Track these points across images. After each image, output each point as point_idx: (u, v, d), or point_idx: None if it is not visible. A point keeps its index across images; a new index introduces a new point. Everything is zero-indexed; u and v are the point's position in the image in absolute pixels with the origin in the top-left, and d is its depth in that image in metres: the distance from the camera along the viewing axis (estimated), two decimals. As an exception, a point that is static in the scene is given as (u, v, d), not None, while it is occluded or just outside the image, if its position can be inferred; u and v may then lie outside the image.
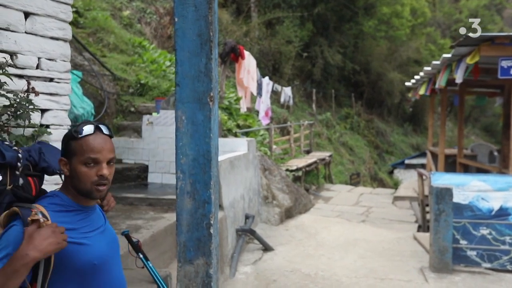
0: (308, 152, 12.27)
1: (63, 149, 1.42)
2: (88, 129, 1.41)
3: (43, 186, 1.71)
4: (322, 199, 8.61)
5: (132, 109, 6.79)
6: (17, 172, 1.45)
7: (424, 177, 6.96)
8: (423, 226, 6.76)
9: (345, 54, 20.86)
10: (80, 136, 1.38)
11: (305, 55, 18.70)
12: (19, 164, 1.45)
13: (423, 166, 12.86)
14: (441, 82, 6.53)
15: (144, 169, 5.99)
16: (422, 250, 5.06)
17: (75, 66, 6.21)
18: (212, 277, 2.59)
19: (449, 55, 5.92)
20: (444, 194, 4.28)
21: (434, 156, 9.76)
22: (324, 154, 11.80)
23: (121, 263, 1.74)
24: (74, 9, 8.26)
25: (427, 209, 6.37)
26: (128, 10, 11.15)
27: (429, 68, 7.58)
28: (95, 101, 5.91)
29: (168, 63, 8.86)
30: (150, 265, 2.63)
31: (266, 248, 4.95)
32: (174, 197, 2.72)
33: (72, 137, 1.40)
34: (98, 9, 9.22)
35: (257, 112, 11.36)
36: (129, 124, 6.52)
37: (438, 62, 6.76)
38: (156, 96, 6.91)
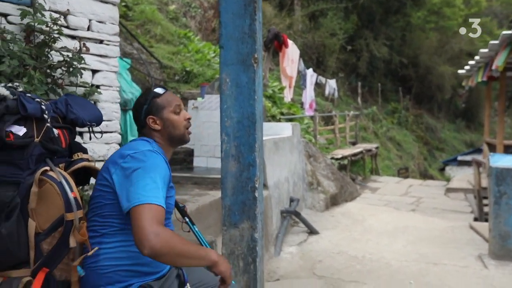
0: (353, 143, 11.96)
1: (146, 110, 1.56)
2: (161, 89, 1.64)
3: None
4: (369, 189, 8.33)
5: (178, 95, 6.91)
6: (48, 124, 1.45)
7: (482, 165, 6.52)
8: (480, 218, 6.34)
9: (392, 47, 20.11)
10: (162, 92, 1.60)
11: (350, 48, 18.23)
12: (45, 116, 1.44)
13: (478, 162, 12.11)
14: (498, 62, 6.06)
15: (189, 153, 6.08)
16: (479, 238, 4.73)
17: (124, 54, 6.43)
18: (257, 241, 2.54)
19: (510, 32, 5.48)
20: (506, 175, 3.97)
21: (492, 147, 9.16)
22: (371, 145, 11.44)
23: None
24: (123, 3, 8.59)
25: (485, 201, 5.96)
26: (174, 4, 11.42)
27: (485, 50, 7.09)
28: (142, 87, 6.07)
29: (212, 54, 8.96)
30: (196, 229, 2.62)
31: (311, 231, 4.84)
32: (219, 176, 2.70)
33: (155, 96, 1.58)
34: (145, 3, 9.50)
35: (301, 104, 11.23)
36: (175, 110, 6.62)
37: (496, 42, 6.30)
38: (200, 83, 7.00)
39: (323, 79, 13.83)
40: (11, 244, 1.31)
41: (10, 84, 1.44)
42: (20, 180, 1.34)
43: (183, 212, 2.64)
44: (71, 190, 1.35)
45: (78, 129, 1.86)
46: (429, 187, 9.18)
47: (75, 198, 1.35)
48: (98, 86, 2.33)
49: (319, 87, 14.67)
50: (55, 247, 1.34)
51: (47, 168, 1.37)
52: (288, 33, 15.12)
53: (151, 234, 1.25)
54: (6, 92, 1.36)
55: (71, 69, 2.05)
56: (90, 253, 1.38)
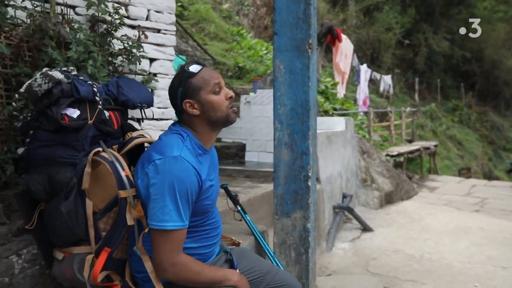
0: (410, 141, 11.44)
1: (182, 93, 1.40)
2: (196, 66, 1.43)
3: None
4: (427, 188, 7.92)
5: (231, 90, 6.98)
6: (100, 107, 1.47)
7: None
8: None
9: (453, 41, 18.98)
10: (196, 71, 1.41)
11: (407, 42, 17.47)
12: (97, 98, 1.46)
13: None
14: None
15: (241, 148, 6.12)
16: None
17: (180, 51, 6.63)
18: (310, 232, 2.49)
19: None
20: None
21: None
22: (429, 143, 10.88)
23: None
24: (179, 3, 8.87)
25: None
26: (227, 3, 11.59)
27: None
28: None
29: (264, 50, 8.98)
30: (248, 218, 2.63)
31: (365, 228, 4.68)
32: (271, 170, 2.68)
33: (190, 76, 1.40)
34: (200, 3, 9.73)
35: (355, 100, 10.94)
36: (227, 105, 6.72)
37: None
38: (252, 78, 7.04)
39: (377, 75, 13.39)
40: (71, 222, 1.37)
41: (64, 68, 1.50)
42: (76, 161, 1.39)
43: (235, 201, 2.65)
44: (123, 169, 1.38)
45: (134, 115, 1.92)
46: (495, 187, 8.55)
47: (127, 176, 1.37)
48: (155, 74, 2.41)
49: (373, 83, 14.22)
50: (114, 226, 1.38)
51: (100, 149, 1.41)
52: (341, 28, 14.78)
53: (167, 265, 1.30)
54: (60, 76, 1.41)
55: (130, 56, 2.12)
56: (146, 231, 1.38)
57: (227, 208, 2.96)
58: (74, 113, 1.39)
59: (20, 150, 1.48)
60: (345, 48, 9.23)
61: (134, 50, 2.15)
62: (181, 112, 1.45)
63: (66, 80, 1.42)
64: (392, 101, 15.09)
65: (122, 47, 2.13)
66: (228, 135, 6.29)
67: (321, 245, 3.98)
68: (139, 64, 2.16)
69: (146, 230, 1.34)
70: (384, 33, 16.26)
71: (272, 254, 2.43)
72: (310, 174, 2.40)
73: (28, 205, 1.50)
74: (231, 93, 1.46)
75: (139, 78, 2.28)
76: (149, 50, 2.34)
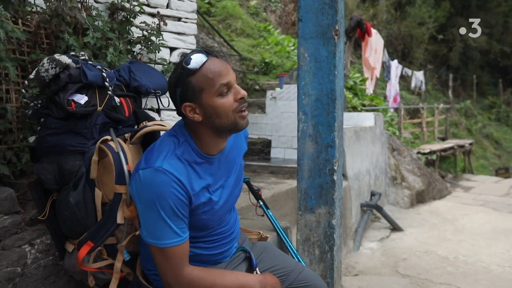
0: (443, 139, 11.00)
1: (181, 94, 1.15)
2: (199, 57, 1.13)
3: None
4: (461, 188, 7.56)
5: (257, 87, 6.93)
6: (109, 92, 1.39)
7: None
8: None
9: (491, 35, 18.12)
10: (197, 67, 1.12)
11: (441, 37, 16.83)
12: (106, 83, 1.39)
13: None
14: None
15: (267, 144, 6.03)
16: None
17: (206, 48, 6.61)
18: (335, 229, 2.36)
19: None
20: None
21: None
22: (464, 141, 10.42)
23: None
24: (206, 1, 8.88)
25: None
26: (254, 0, 11.53)
27: None
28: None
29: (292, 46, 8.84)
30: (270, 213, 2.53)
31: (394, 227, 4.49)
32: (296, 165, 2.58)
33: (189, 73, 1.12)
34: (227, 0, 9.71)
35: (385, 97, 10.62)
36: (253, 101, 6.66)
37: None
38: (279, 73, 6.93)
39: (409, 71, 12.95)
40: (80, 213, 1.32)
41: (73, 53, 1.44)
42: (85, 150, 1.34)
43: (257, 195, 2.56)
44: (127, 163, 1.29)
45: (154, 105, 1.86)
46: (536, 188, 8.08)
47: (129, 171, 1.28)
48: (175, 64, 2.34)
49: (404, 80, 13.78)
50: (102, 220, 1.30)
51: (108, 137, 1.34)
52: (371, 24, 14.41)
53: (172, 282, 1.16)
54: (68, 60, 1.36)
55: (149, 44, 2.07)
56: (137, 233, 1.31)
57: (250, 203, 2.87)
58: (82, 99, 1.34)
59: (32, 139, 1.44)
60: (375, 43, 8.96)
61: (154, 38, 2.10)
62: (182, 115, 1.20)
63: (75, 65, 1.37)
64: (424, 98, 14.58)
65: (141, 35, 2.08)
66: (253, 131, 6.22)
67: (347, 244, 3.83)
68: (158, 52, 2.10)
69: (137, 233, 1.25)
70: (416, 28, 15.72)
71: (295, 252, 2.32)
72: (335, 167, 2.28)
73: (42, 195, 1.46)
74: (242, 93, 1.16)
75: (158, 67, 2.23)
76: (169, 38, 2.28)
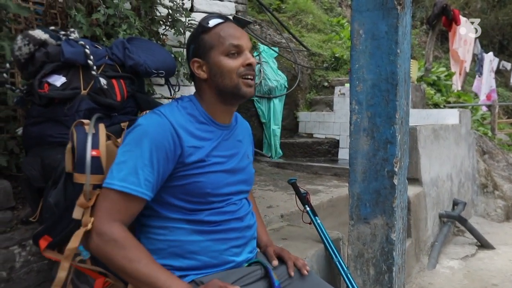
0: (550, 143, 9.42)
1: (193, 50, 1.18)
2: (215, 19, 1.17)
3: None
4: None
5: (326, 83, 6.51)
6: (93, 72, 1.16)
7: None
8: None
9: None
10: (212, 25, 1.15)
11: (549, 26, 14.63)
12: (90, 62, 1.16)
13: None
14: None
15: (334, 144, 5.60)
16: None
17: (273, 43, 6.37)
18: (395, 245, 1.91)
19: None
20: None
21: None
22: None
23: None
24: (278, -2, 8.66)
25: None
26: (329, -6, 11.02)
27: None
28: (288, 75, 5.90)
29: (367, 40, 8.22)
30: (318, 221, 2.16)
31: (482, 244, 3.78)
32: None
33: (203, 30, 1.16)
34: (299, -5, 9.38)
35: (476, 94, 9.44)
36: (321, 98, 6.25)
37: None
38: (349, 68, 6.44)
39: (507, 65, 11.41)
40: (59, 214, 1.11)
41: (52, 27, 1.23)
42: (66, 141, 1.11)
43: (303, 200, 2.20)
44: (96, 148, 1.05)
45: (164, 93, 1.61)
46: None
47: (95, 158, 1.04)
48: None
49: (501, 75, 12.21)
50: (62, 212, 1.07)
51: (84, 120, 1.10)
52: (462, 13, 12.98)
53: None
54: (44, 36, 1.15)
55: (174, 24, 1.84)
56: (82, 229, 1.05)
57: (296, 210, 2.54)
58: (58, 80, 1.12)
59: (20, 130, 1.28)
60: (465, 33, 7.95)
61: (183, 19, 1.86)
62: (192, 75, 1.20)
63: (54, 41, 1.16)
64: (526, 95, 12.76)
65: (166, 12, 1.86)
66: (320, 131, 5.82)
67: (420, 260, 3.28)
68: (184, 34, 1.87)
69: (83, 229, 1.00)
70: (517, 16, 13.86)
71: (345, 269, 1.94)
72: (396, 169, 1.85)
73: (35, 193, 1.28)
74: (252, 60, 1.15)
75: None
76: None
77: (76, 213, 1.02)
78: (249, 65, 1.14)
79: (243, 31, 1.18)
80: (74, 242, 0.99)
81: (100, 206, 1.01)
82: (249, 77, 1.15)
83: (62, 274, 1.00)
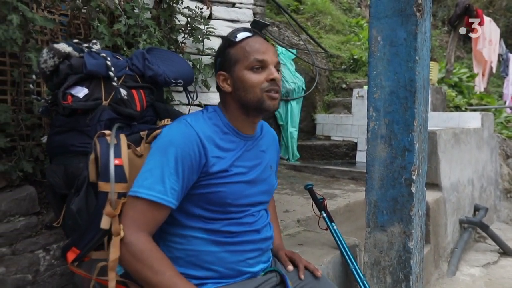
0: None
1: (220, 63, 1.21)
2: (243, 33, 1.19)
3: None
4: None
5: (344, 85, 6.46)
6: (114, 83, 1.20)
7: None
8: None
9: None
10: (238, 39, 1.17)
11: None
12: (111, 73, 1.20)
13: None
14: None
15: (352, 147, 5.55)
16: None
17: (291, 45, 6.36)
18: (413, 253, 1.90)
19: None
20: None
21: None
22: None
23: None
24: (296, -1, 8.64)
25: None
26: (348, -5, 10.93)
27: None
28: (306, 77, 5.88)
29: (386, 41, 8.12)
30: (335, 227, 2.16)
31: (505, 251, 3.70)
32: None
33: (230, 44, 1.18)
34: (318, -4, 9.33)
35: (501, 96, 9.20)
36: (339, 100, 6.21)
37: None
38: (369, 71, 6.36)
39: (533, 65, 11.06)
40: (82, 222, 1.14)
41: (76, 40, 1.27)
42: (88, 150, 1.14)
43: (320, 205, 2.21)
44: (119, 156, 1.07)
45: (183, 100, 1.64)
46: None
47: (118, 167, 1.06)
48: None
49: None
50: (88, 224, 1.09)
51: (106, 132, 1.13)
52: (486, 12, 12.65)
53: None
54: (68, 49, 1.19)
55: (193, 32, 1.87)
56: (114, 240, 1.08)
57: (312, 215, 2.54)
58: (81, 91, 1.16)
59: (45, 138, 1.32)
60: (489, 33, 7.77)
61: (201, 26, 1.89)
62: (218, 87, 1.23)
63: (77, 54, 1.20)
64: (553, 97, 12.34)
65: (185, 21, 1.89)
66: (338, 133, 5.78)
67: (440, 267, 3.23)
68: (202, 41, 1.89)
69: (117, 238, 1.02)
70: (544, 15, 13.43)
71: (362, 277, 1.93)
72: (414, 177, 1.83)
73: (58, 199, 1.33)
74: (275, 75, 1.16)
75: (207, 58, 2.02)
76: (220, 26, 2.07)
77: (104, 223, 1.04)
78: (273, 80, 1.15)
79: (270, 46, 1.19)
80: (115, 253, 1.01)
81: (127, 216, 1.03)
82: (274, 92, 1.16)
83: (112, 284, 1.02)
